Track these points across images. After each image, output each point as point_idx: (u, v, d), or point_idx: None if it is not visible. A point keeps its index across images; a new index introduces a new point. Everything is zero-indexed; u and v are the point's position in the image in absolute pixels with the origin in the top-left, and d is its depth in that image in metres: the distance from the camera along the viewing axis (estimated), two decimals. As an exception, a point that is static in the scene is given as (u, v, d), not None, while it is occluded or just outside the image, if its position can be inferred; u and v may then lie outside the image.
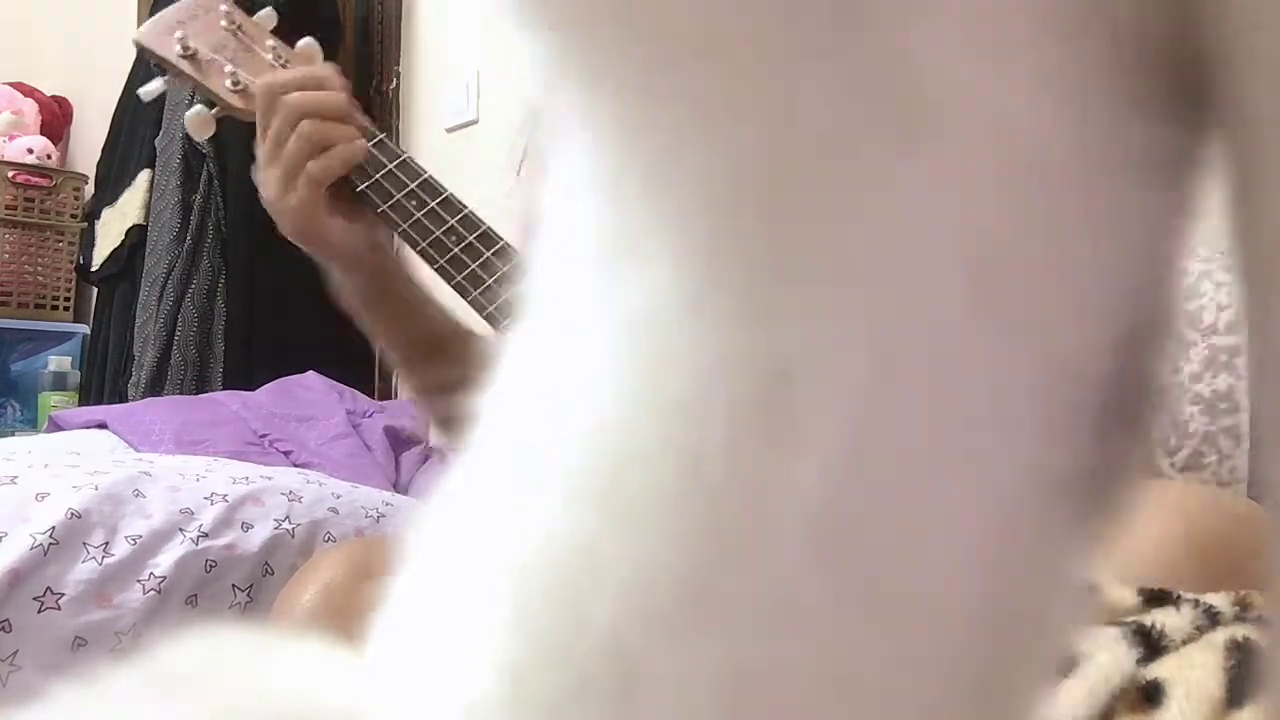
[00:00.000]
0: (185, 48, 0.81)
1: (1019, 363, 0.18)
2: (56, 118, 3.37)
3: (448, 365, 0.85)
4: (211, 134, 0.82)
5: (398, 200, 0.76)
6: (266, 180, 0.75)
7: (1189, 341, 1.06)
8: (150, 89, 0.85)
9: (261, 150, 0.75)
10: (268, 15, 0.84)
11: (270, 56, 0.82)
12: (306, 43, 0.83)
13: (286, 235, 0.75)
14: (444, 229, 0.76)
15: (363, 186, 0.76)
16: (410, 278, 0.83)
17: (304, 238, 0.75)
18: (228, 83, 0.80)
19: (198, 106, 0.81)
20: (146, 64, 2.93)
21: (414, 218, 0.76)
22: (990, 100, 0.17)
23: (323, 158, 0.74)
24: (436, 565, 0.24)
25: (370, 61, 2.52)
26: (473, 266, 0.75)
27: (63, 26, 3.51)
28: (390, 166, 0.77)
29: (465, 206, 0.77)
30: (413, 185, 0.77)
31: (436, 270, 0.76)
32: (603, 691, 0.18)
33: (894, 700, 0.19)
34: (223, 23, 0.82)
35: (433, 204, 0.77)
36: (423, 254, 0.76)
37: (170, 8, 0.84)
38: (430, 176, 0.78)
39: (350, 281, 0.78)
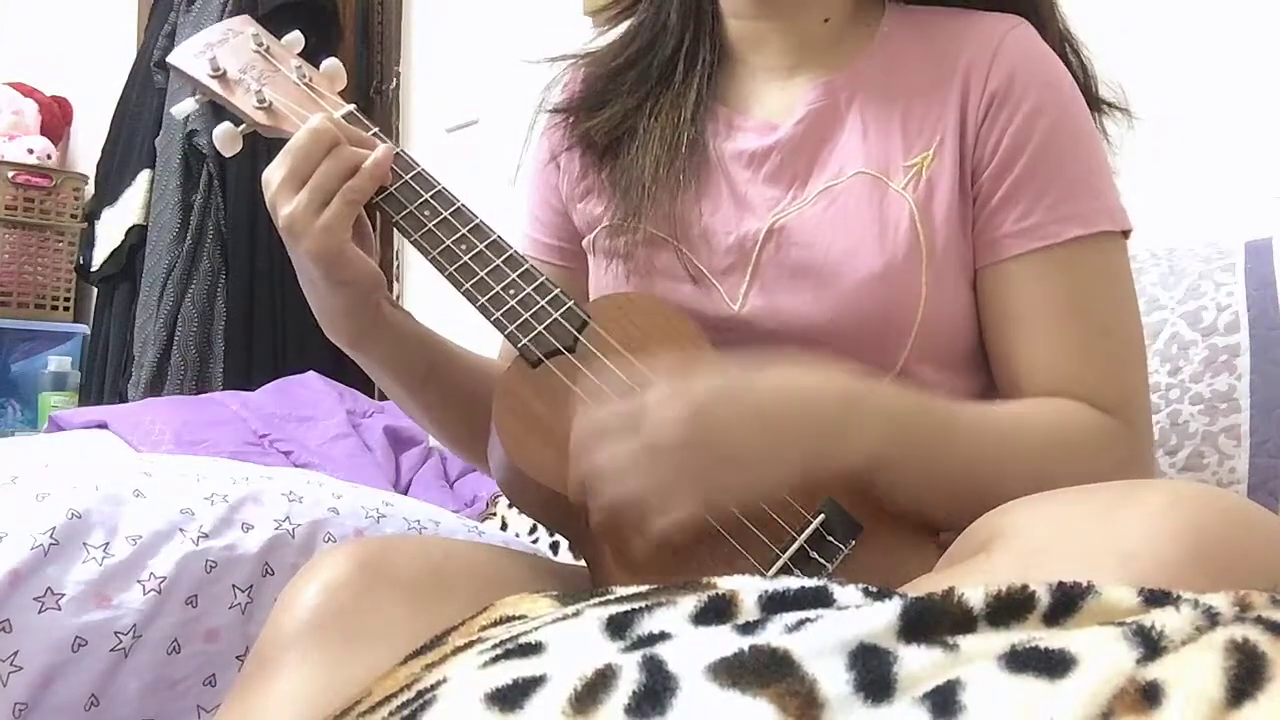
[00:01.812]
0: (215, 68, 0.84)
1: None
2: (56, 118, 3.37)
3: (439, 391, 0.86)
4: (238, 150, 0.84)
5: (411, 211, 0.79)
6: (291, 202, 0.75)
7: (1189, 341, 1.06)
8: (182, 108, 0.88)
9: (284, 173, 0.76)
10: (295, 39, 0.87)
11: (295, 76, 0.85)
12: (330, 63, 0.86)
13: (308, 256, 0.75)
14: (455, 238, 0.78)
15: (378, 199, 0.79)
16: (397, 304, 0.85)
17: (327, 257, 0.75)
18: (254, 101, 0.83)
19: (225, 123, 0.84)
20: (147, 64, 2.93)
21: (426, 227, 0.79)
22: None
23: (356, 177, 0.76)
24: None
25: (370, 61, 2.52)
26: (481, 274, 0.77)
27: (63, 26, 3.51)
28: (406, 179, 0.80)
29: (476, 216, 0.80)
30: (427, 196, 0.80)
31: (447, 277, 0.78)
32: None
33: None
34: (251, 45, 0.86)
35: (445, 214, 0.79)
36: (434, 261, 0.78)
37: (203, 31, 0.88)
38: (444, 188, 0.80)
39: (354, 306, 0.79)
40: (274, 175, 0.76)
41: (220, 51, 0.85)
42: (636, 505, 0.65)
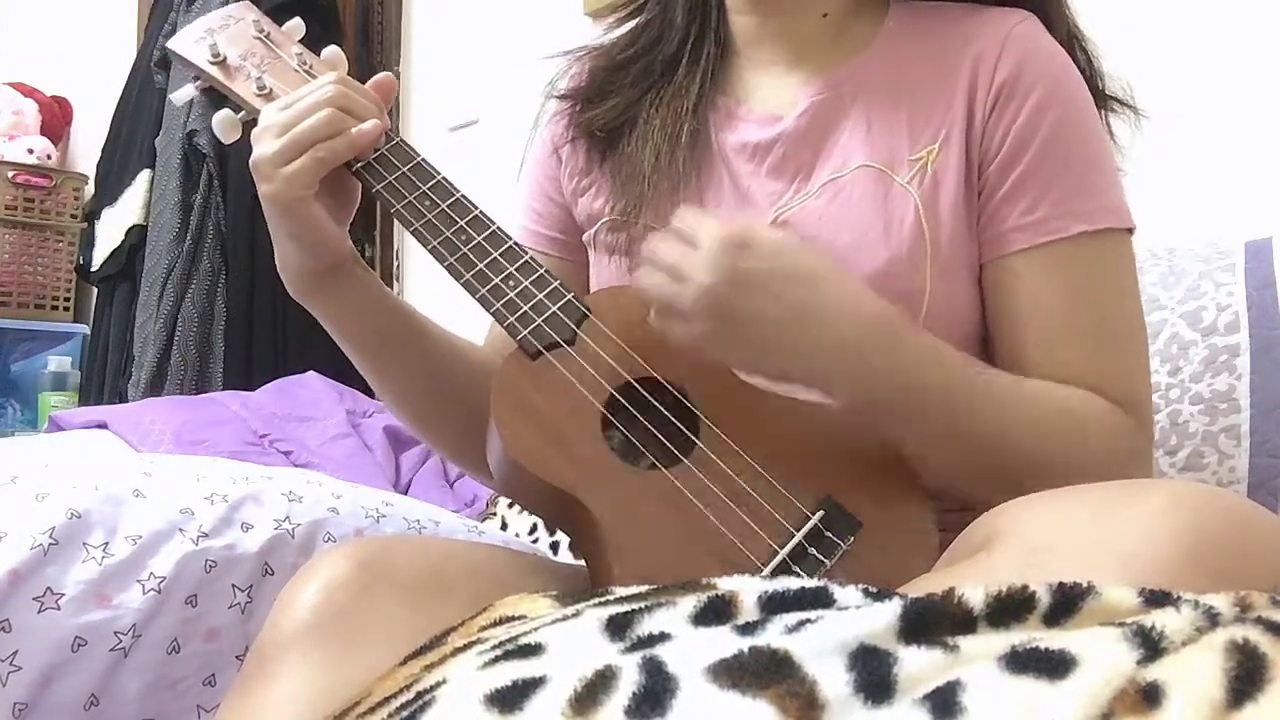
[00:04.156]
0: (215, 54, 0.84)
1: None
2: (56, 118, 3.37)
3: (397, 362, 0.86)
4: (238, 137, 0.84)
5: (410, 201, 0.79)
6: (267, 144, 0.76)
7: (1189, 341, 1.06)
8: (181, 94, 0.88)
9: (277, 117, 0.76)
10: (296, 25, 0.87)
11: (295, 63, 0.84)
12: (331, 50, 0.86)
13: (265, 199, 0.76)
14: (454, 229, 0.78)
15: (378, 187, 0.79)
16: (368, 270, 0.84)
17: (282, 204, 0.76)
18: (254, 87, 0.82)
19: (225, 110, 0.84)
20: (147, 64, 2.92)
21: (426, 218, 0.79)
22: None
23: (335, 139, 0.76)
24: None
25: (370, 61, 2.52)
26: (481, 265, 0.77)
27: (63, 26, 3.51)
28: (404, 170, 0.80)
29: (476, 207, 0.80)
30: (425, 187, 0.80)
31: (447, 268, 0.78)
32: None
33: None
34: (252, 31, 0.85)
35: (444, 205, 0.79)
36: (433, 251, 0.78)
37: (203, 17, 0.87)
38: (444, 178, 0.81)
39: (307, 261, 0.80)
40: (269, 115, 0.77)
41: (221, 38, 0.84)
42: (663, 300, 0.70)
